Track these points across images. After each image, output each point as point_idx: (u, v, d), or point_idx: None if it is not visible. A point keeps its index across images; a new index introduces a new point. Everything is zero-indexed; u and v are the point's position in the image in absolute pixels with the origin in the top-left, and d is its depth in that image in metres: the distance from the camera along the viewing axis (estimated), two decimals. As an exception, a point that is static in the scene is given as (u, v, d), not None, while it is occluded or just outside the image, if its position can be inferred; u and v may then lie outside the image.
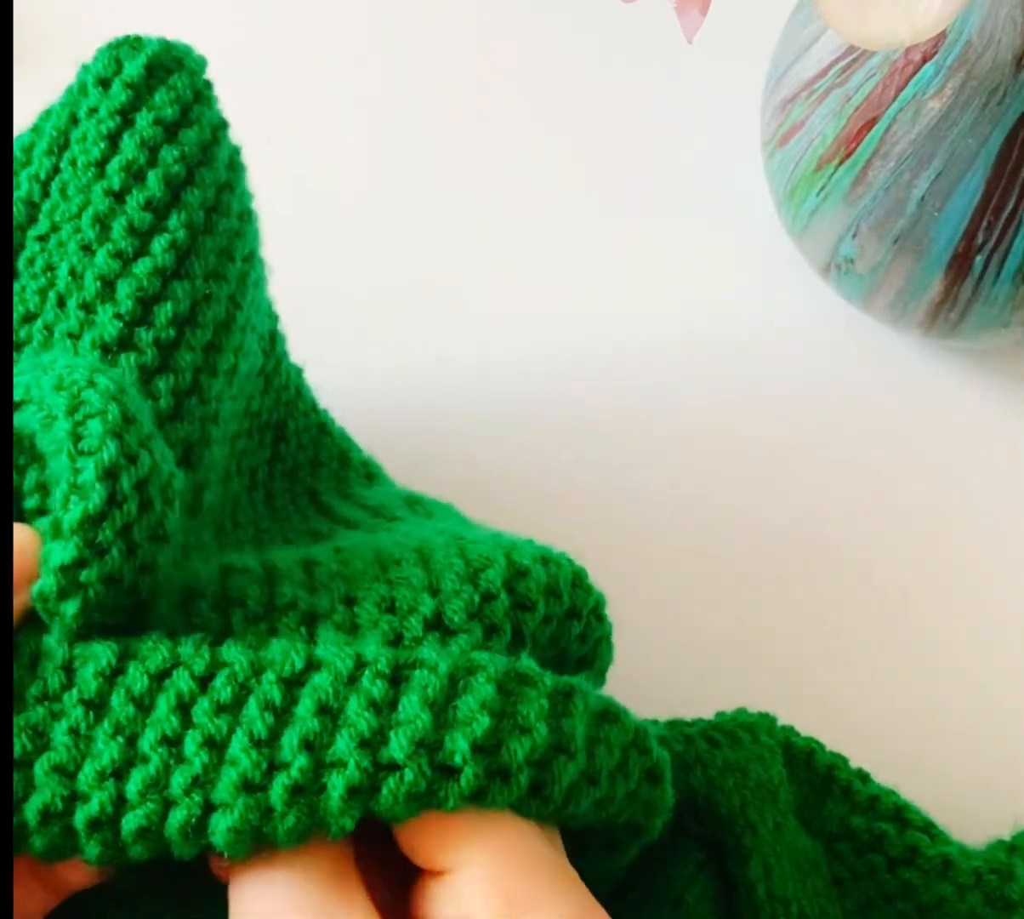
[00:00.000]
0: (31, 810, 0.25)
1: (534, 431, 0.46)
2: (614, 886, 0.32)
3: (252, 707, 0.26)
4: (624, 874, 0.32)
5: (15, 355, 0.31)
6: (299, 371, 0.39)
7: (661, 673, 0.42)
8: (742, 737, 0.35)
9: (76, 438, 0.27)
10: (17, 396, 0.29)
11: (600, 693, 0.28)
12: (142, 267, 0.31)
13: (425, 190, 0.50)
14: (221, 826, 0.24)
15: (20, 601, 0.26)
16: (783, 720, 0.37)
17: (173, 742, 0.25)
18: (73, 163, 0.32)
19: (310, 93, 0.51)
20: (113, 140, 0.32)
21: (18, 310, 0.32)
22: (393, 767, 0.25)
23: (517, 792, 0.25)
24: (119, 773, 0.25)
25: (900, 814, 0.36)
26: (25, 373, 0.29)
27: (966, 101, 0.39)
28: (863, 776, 0.36)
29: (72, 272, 0.31)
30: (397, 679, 0.26)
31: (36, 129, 0.33)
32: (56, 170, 0.33)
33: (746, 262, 0.49)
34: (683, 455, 0.46)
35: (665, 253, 0.49)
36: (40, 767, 0.25)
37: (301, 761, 0.25)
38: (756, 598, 0.44)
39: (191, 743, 0.25)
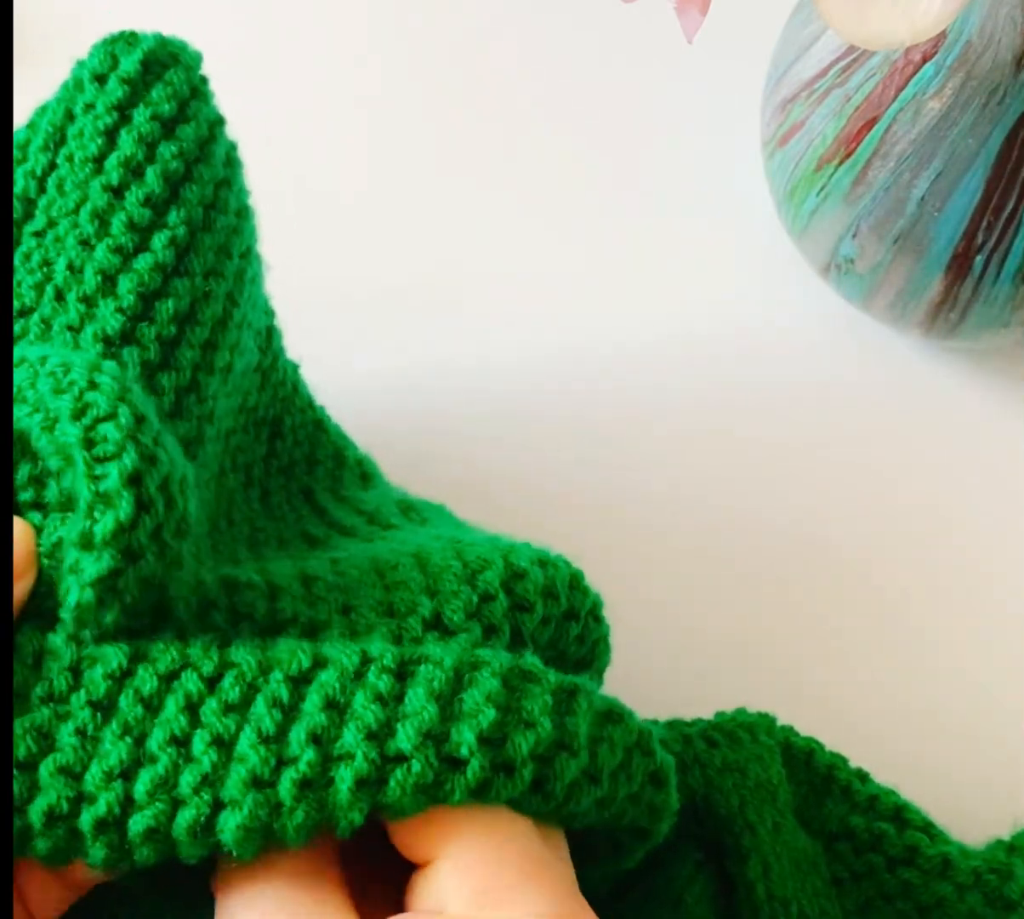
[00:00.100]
0: (36, 812, 0.25)
1: (534, 431, 0.46)
2: (613, 886, 0.32)
3: (260, 705, 0.26)
4: (623, 874, 0.32)
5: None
6: (296, 367, 0.39)
7: (661, 673, 0.42)
8: (741, 737, 0.35)
9: (89, 443, 0.26)
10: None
11: (605, 694, 0.28)
12: (143, 263, 0.31)
13: (425, 190, 0.50)
14: (230, 824, 0.24)
15: (19, 590, 0.26)
16: (783, 720, 0.37)
17: (181, 742, 0.25)
18: (70, 159, 0.32)
19: (310, 93, 0.51)
20: (111, 136, 0.32)
21: (14, 305, 0.31)
22: (401, 759, 0.25)
23: (520, 786, 0.25)
24: (127, 773, 0.25)
25: (900, 814, 0.36)
26: (18, 367, 0.29)
27: (966, 101, 0.39)
28: (863, 776, 0.37)
29: (70, 267, 0.31)
30: (403, 674, 0.26)
31: (31, 125, 0.33)
32: (52, 166, 0.32)
33: (746, 262, 0.49)
34: (683, 455, 0.46)
35: (665, 253, 0.49)
36: (45, 769, 0.25)
37: (309, 755, 0.25)
38: (756, 598, 0.44)
39: (199, 742, 0.25)
